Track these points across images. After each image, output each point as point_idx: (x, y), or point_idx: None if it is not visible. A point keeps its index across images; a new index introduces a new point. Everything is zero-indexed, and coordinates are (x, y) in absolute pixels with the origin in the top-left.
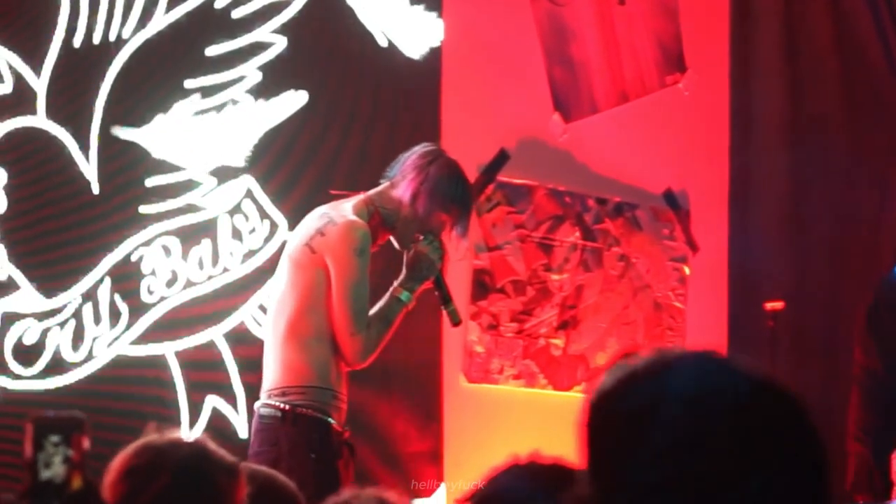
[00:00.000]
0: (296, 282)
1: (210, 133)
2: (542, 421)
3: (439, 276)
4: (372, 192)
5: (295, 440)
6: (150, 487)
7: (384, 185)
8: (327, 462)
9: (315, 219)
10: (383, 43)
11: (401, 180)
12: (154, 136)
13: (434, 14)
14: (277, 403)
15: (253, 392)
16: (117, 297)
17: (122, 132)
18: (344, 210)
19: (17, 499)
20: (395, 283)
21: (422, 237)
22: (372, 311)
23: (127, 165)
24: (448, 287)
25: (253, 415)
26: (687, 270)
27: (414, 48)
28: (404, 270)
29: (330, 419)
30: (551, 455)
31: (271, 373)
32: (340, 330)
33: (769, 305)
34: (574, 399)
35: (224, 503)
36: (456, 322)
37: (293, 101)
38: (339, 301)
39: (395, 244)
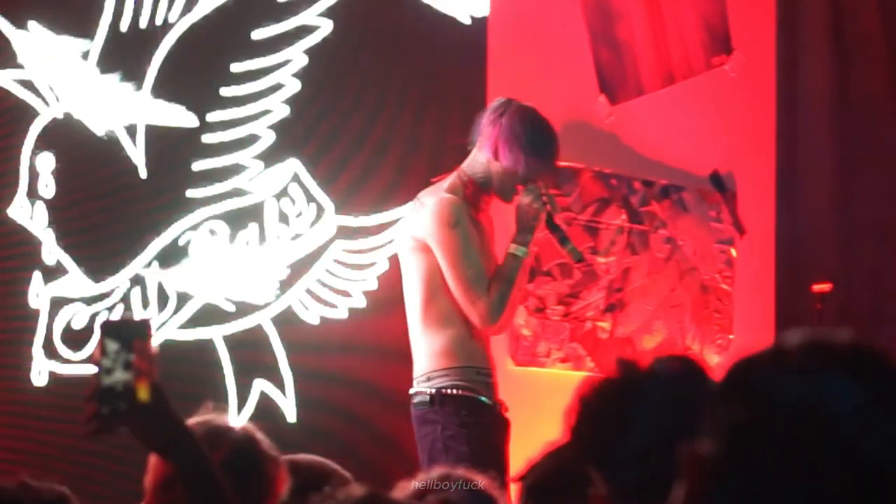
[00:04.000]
0: (412, 271)
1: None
2: None
3: (549, 218)
4: (464, 163)
5: (446, 420)
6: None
7: (472, 152)
8: (481, 437)
9: (412, 208)
10: (431, 26)
11: (482, 141)
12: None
13: None
14: (424, 389)
15: (300, 375)
16: (165, 281)
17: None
18: (434, 190)
19: (84, 401)
20: (511, 242)
21: (521, 189)
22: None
23: (174, 150)
24: (563, 227)
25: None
26: (734, 253)
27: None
28: (516, 226)
29: (478, 395)
30: None
31: (417, 361)
32: (463, 301)
33: (816, 287)
34: None
35: (269, 491)
36: (578, 259)
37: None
38: (452, 275)
39: (504, 202)
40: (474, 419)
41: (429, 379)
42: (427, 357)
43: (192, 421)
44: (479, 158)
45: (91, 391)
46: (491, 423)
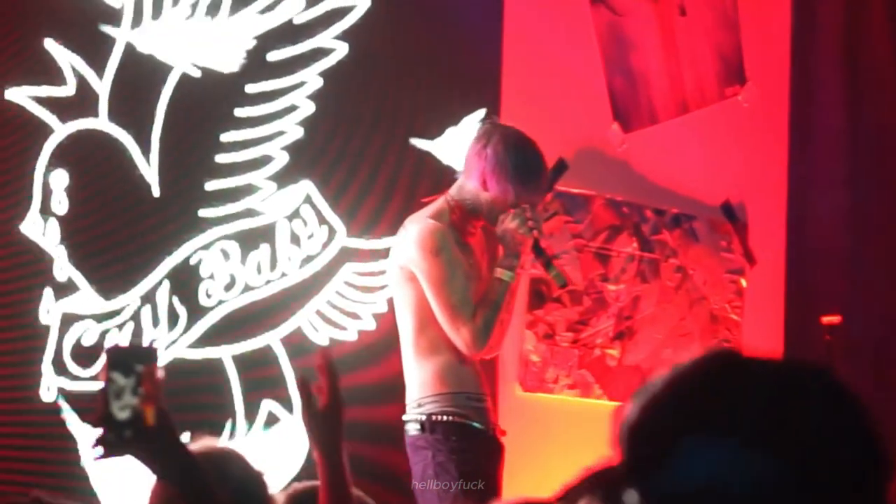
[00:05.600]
0: (401, 299)
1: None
2: (597, 431)
3: (535, 243)
4: (451, 189)
5: (436, 447)
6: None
7: (460, 178)
8: (471, 462)
9: (399, 235)
10: (446, 52)
11: (469, 171)
12: (446, 146)
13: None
14: (415, 416)
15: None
16: (175, 301)
17: (420, 143)
18: (419, 216)
19: (92, 426)
20: (497, 266)
21: (508, 213)
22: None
23: (187, 169)
24: (548, 252)
25: None
26: (744, 283)
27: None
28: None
29: (469, 421)
30: None
31: (409, 388)
32: (448, 328)
33: (826, 319)
34: None
35: None
36: (562, 285)
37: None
38: (437, 303)
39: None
40: (464, 445)
41: (420, 405)
42: (418, 384)
43: (193, 447)
44: (468, 186)
45: (98, 416)
46: (483, 449)
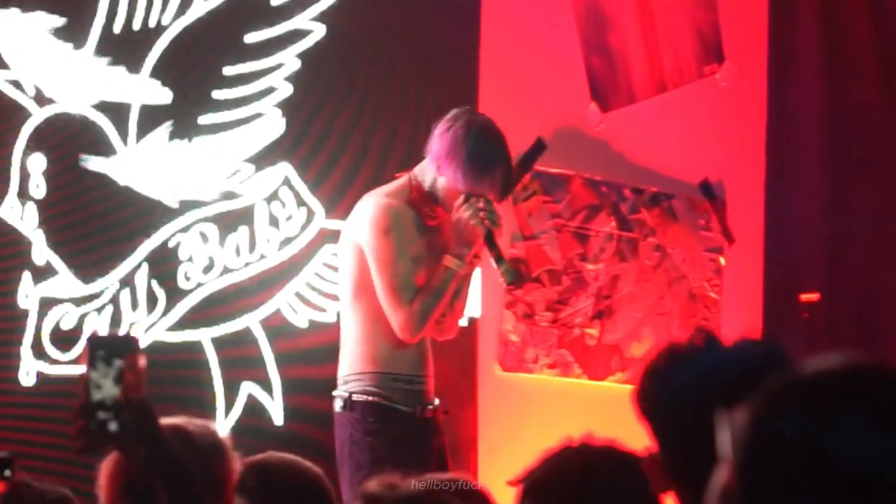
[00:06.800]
0: (344, 271)
1: (183, 162)
2: (576, 410)
3: (489, 236)
4: (416, 168)
5: (353, 426)
6: None
7: (426, 157)
8: (384, 446)
9: (355, 209)
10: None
11: (430, 149)
12: (122, 165)
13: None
14: (340, 393)
15: (288, 379)
16: (154, 283)
17: (91, 162)
18: (376, 193)
19: (73, 416)
20: (447, 254)
21: (462, 202)
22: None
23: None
24: (500, 247)
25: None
26: (723, 261)
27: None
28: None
29: (391, 403)
30: (603, 438)
31: (340, 363)
32: (385, 308)
33: (804, 297)
34: (608, 388)
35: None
36: (510, 281)
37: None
38: (378, 281)
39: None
40: (381, 427)
41: (345, 382)
42: (348, 361)
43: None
44: (429, 168)
45: (79, 406)
46: (405, 432)
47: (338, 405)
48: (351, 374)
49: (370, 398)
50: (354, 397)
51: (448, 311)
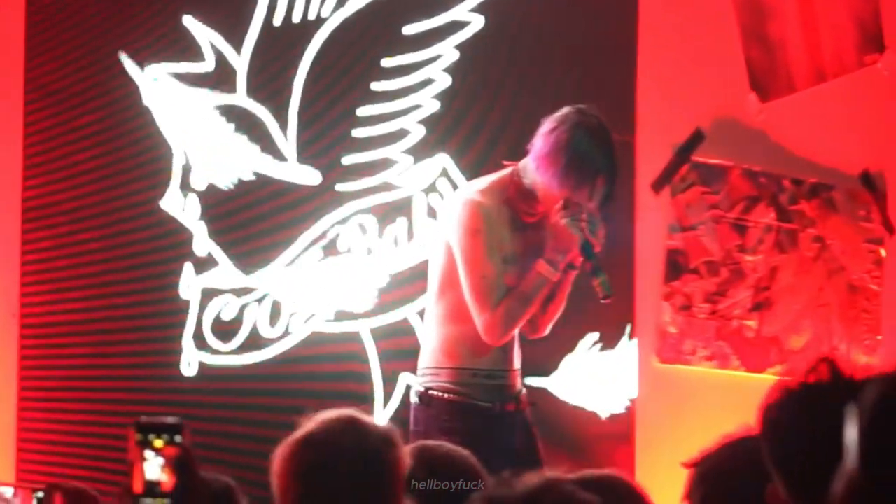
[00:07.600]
0: (433, 265)
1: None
2: (735, 402)
3: (586, 245)
4: (521, 162)
5: (429, 423)
6: None
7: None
8: (461, 444)
9: (448, 202)
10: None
11: (534, 146)
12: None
13: None
14: (416, 386)
15: None
16: (313, 274)
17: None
18: (472, 186)
19: (118, 501)
20: (542, 259)
21: (562, 208)
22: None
23: (324, 143)
24: (598, 259)
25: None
26: (883, 252)
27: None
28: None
29: (470, 399)
30: None
31: (421, 353)
32: (471, 309)
33: None
34: (767, 381)
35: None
36: (605, 295)
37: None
38: (464, 281)
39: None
40: (454, 426)
41: (423, 375)
42: (426, 351)
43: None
44: (531, 165)
45: (126, 492)
46: (481, 427)
47: (414, 398)
48: (428, 366)
49: (445, 395)
50: (431, 392)
51: (540, 313)
